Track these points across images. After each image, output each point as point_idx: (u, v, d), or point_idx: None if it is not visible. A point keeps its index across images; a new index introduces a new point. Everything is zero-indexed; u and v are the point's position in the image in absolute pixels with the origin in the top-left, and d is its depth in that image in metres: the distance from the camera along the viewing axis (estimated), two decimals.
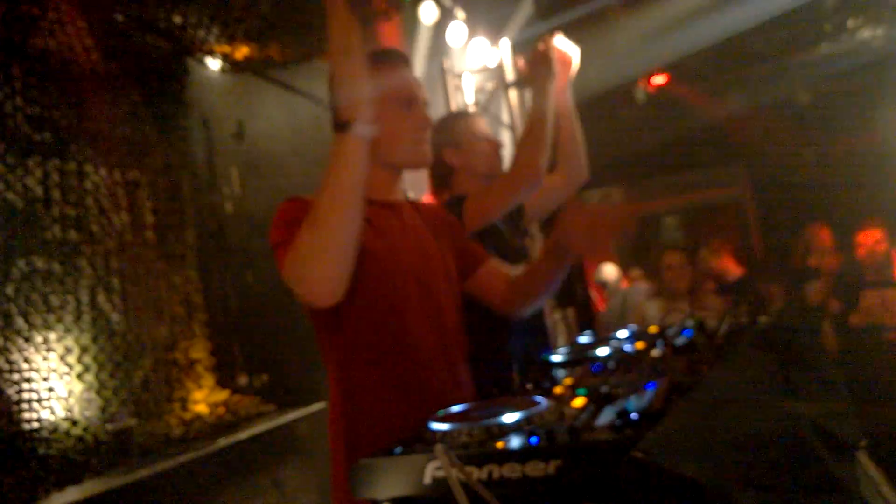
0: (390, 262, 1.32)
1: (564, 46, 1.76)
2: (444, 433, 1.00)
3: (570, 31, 1.68)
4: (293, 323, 1.38)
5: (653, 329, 1.56)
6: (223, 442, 2.80)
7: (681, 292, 3.61)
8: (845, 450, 0.98)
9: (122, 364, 2.67)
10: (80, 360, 2.49)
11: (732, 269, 4.08)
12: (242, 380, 3.23)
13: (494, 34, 4.06)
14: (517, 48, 3.68)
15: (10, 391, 2.22)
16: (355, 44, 1.14)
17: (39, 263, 2.40)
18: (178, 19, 2.95)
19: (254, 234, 3.27)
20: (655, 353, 1.31)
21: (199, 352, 3.03)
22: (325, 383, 1.36)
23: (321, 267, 1.13)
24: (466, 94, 3.93)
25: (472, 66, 3.91)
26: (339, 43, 1.12)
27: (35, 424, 2.29)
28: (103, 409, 2.55)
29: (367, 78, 1.16)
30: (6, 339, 2.22)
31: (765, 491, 0.80)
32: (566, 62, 1.71)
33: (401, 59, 1.41)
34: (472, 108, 3.83)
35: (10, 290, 2.26)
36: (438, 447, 0.92)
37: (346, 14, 1.11)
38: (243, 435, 2.89)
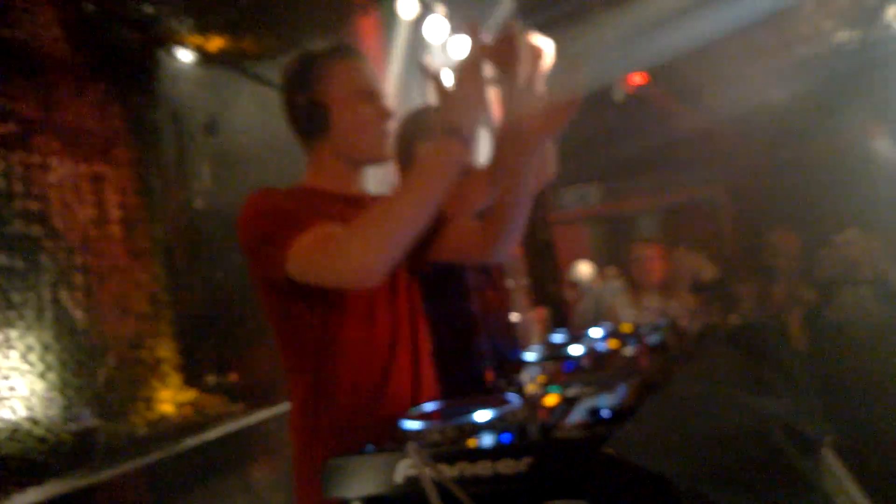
0: None
1: (537, 39, 1.71)
2: (416, 431, 0.99)
3: (550, 29, 1.66)
4: (263, 321, 1.36)
5: (626, 328, 1.56)
6: (190, 442, 2.75)
7: (651, 286, 3.58)
8: (812, 446, 0.99)
9: (85, 363, 2.60)
10: (42, 358, 2.42)
11: (706, 268, 4.14)
12: (210, 379, 3.18)
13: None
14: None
15: None
16: (480, 55, 1.17)
17: (0, 259, 2.33)
18: (149, 10, 2.89)
19: (224, 230, 3.22)
20: (628, 351, 1.32)
21: (166, 350, 2.97)
22: (284, 383, 1.33)
23: (384, 256, 1.12)
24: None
25: (452, 62, 3.91)
26: (470, 58, 1.15)
27: None
28: (66, 409, 2.49)
29: (484, 90, 1.18)
30: None
31: (733, 487, 0.80)
32: (537, 54, 1.63)
33: (356, 53, 1.39)
34: None
35: None
36: (411, 445, 0.91)
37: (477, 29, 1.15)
38: (211, 435, 2.84)
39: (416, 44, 3.83)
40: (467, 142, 1.14)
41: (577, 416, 0.98)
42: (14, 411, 2.27)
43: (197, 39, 3.12)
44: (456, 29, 3.85)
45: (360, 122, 1.34)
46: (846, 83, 5.38)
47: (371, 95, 1.35)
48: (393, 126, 1.41)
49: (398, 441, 0.99)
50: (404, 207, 1.13)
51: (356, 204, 1.39)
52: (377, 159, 1.39)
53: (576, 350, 1.38)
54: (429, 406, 1.13)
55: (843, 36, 5.26)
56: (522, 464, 0.87)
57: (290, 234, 1.18)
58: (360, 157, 1.38)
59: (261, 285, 1.28)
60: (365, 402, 1.28)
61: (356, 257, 1.12)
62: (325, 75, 1.32)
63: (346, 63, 1.35)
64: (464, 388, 1.29)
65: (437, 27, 3.83)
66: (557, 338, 1.58)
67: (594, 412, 0.92)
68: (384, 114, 1.37)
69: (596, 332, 1.56)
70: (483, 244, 1.43)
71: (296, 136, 1.38)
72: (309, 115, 1.31)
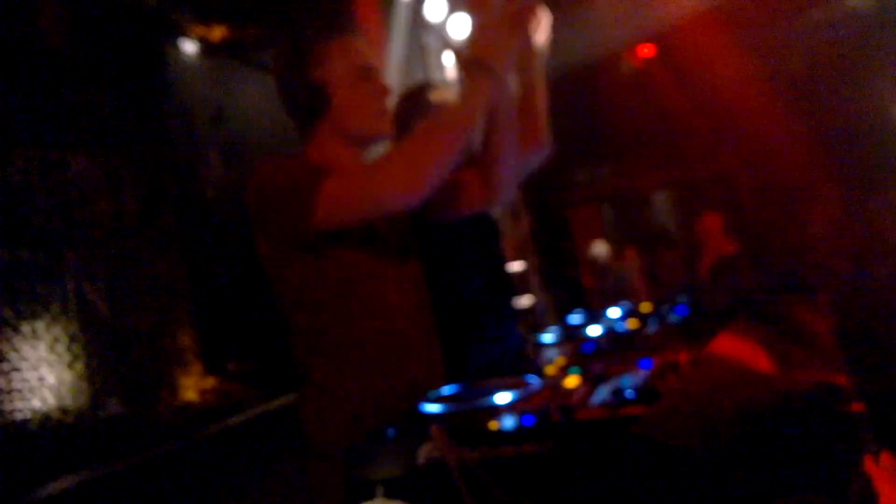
0: (365, 240, 1.30)
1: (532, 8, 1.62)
2: (437, 415, 0.99)
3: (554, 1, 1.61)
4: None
5: (645, 307, 1.55)
6: (214, 428, 2.78)
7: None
8: (839, 420, 0.98)
9: (110, 353, 2.64)
10: (68, 349, 2.47)
11: (726, 244, 4.08)
12: (231, 367, 3.21)
13: None
14: None
15: (0, 381, 2.20)
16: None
17: (24, 254, 2.37)
18: (152, 1, 2.88)
19: (237, 217, 3.23)
20: (648, 330, 1.31)
21: (187, 339, 3.00)
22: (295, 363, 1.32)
23: (426, 178, 1.16)
24: (447, 70, 3.87)
25: (452, 41, 3.85)
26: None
27: (26, 414, 2.27)
28: (93, 398, 2.53)
29: (509, 30, 1.20)
30: None
31: (760, 463, 0.79)
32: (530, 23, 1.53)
33: (351, 30, 1.38)
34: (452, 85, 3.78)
35: None
36: (434, 428, 0.91)
37: None
38: (234, 421, 2.87)
39: (417, 23, 3.78)
40: (501, 81, 1.17)
41: (600, 396, 0.98)
42: (44, 401, 2.32)
43: (201, 30, 3.11)
44: (455, 7, 3.80)
45: (358, 101, 1.33)
46: (863, 47, 5.24)
47: (368, 73, 1.34)
48: (391, 103, 1.40)
49: (419, 424, 0.99)
50: (444, 136, 1.16)
51: None
52: (377, 136, 1.38)
53: (594, 331, 1.37)
54: (448, 388, 1.13)
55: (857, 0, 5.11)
56: (545, 446, 0.87)
57: (317, 180, 1.19)
58: (360, 135, 1.37)
59: (278, 249, 1.26)
60: (380, 376, 1.28)
61: (400, 177, 1.15)
62: (320, 55, 1.31)
63: (342, 41, 1.33)
64: (482, 367, 1.29)
65: (437, 6, 3.78)
66: (575, 319, 1.57)
67: (617, 392, 0.91)
68: (382, 91, 1.36)
69: (615, 312, 1.55)
70: (481, 191, 1.43)
71: (293, 118, 1.37)
72: (307, 96, 1.30)
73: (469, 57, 1.19)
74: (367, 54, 1.35)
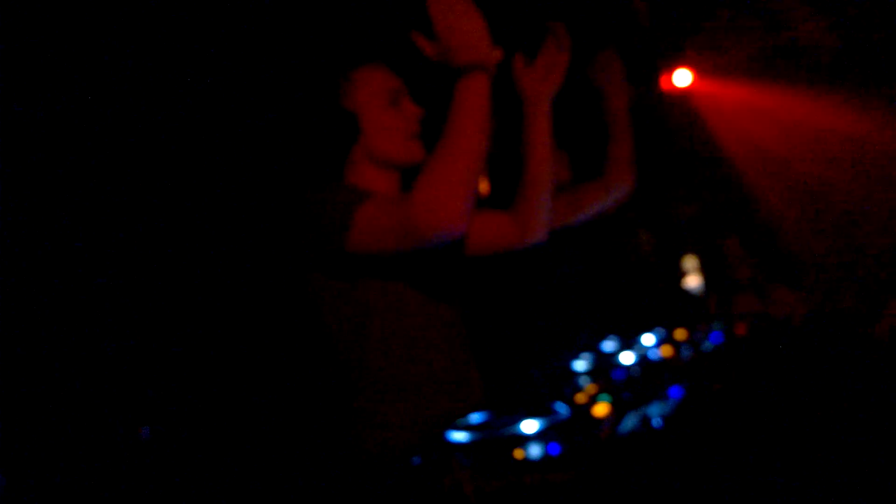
0: (402, 268, 1.31)
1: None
2: (463, 443, 0.98)
3: None
4: None
5: (680, 334, 1.52)
6: None
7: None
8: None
9: None
10: None
11: (744, 268, 3.91)
12: None
13: None
14: None
15: None
16: None
17: None
18: None
19: None
20: (682, 358, 1.28)
21: None
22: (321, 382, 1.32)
23: (465, 195, 1.15)
24: None
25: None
26: None
27: None
28: None
29: (476, 15, 1.17)
30: None
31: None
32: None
33: (376, 58, 1.39)
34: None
35: None
36: (456, 460, 0.90)
37: None
38: None
39: None
40: (489, 71, 1.13)
41: (628, 425, 0.96)
42: None
43: None
44: None
45: (386, 126, 1.34)
46: None
47: (397, 97, 1.35)
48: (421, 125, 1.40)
49: (445, 452, 0.98)
50: (457, 149, 1.14)
51: None
52: (408, 162, 1.38)
53: (627, 358, 1.35)
54: (477, 416, 1.12)
55: None
56: (571, 475, 0.85)
57: (356, 201, 1.19)
58: (390, 160, 1.38)
59: (313, 274, 1.27)
60: (422, 404, 1.27)
61: (442, 201, 1.13)
62: (350, 83, 1.33)
63: (368, 69, 1.35)
64: (513, 392, 1.28)
65: None
66: (608, 346, 1.55)
67: (645, 421, 0.90)
68: (413, 116, 1.36)
69: (649, 339, 1.52)
70: (513, 231, 1.41)
71: (326, 147, 1.39)
72: (339, 126, 1.33)
73: (443, 57, 1.16)
74: (394, 79, 1.37)
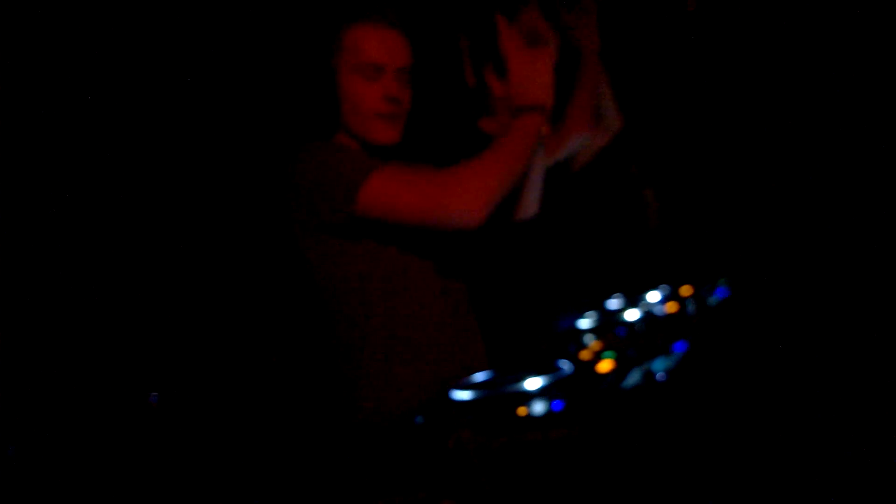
0: (405, 232, 1.29)
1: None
2: (467, 401, 0.98)
3: None
4: None
5: (686, 290, 1.50)
6: None
7: None
8: None
9: None
10: None
11: None
12: None
13: None
14: None
15: None
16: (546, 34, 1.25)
17: None
18: None
19: None
20: (688, 313, 1.27)
21: None
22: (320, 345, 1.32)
23: (493, 198, 1.17)
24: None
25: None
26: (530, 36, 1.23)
27: None
28: None
29: (549, 69, 1.24)
30: None
31: None
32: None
33: (380, 19, 1.30)
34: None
35: None
36: (459, 419, 0.90)
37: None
38: None
39: None
40: (546, 114, 1.19)
41: (631, 380, 0.95)
42: None
43: None
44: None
45: (359, 100, 1.28)
46: None
47: (377, 73, 1.27)
48: (404, 111, 1.32)
49: (448, 411, 0.98)
50: (509, 162, 1.17)
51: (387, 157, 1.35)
52: (368, 140, 1.32)
53: (632, 315, 1.34)
54: (479, 375, 1.12)
55: None
56: (574, 431, 0.85)
57: (364, 170, 1.18)
58: (352, 132, 1.32)
59: (312, 236, 1.26)
60: (425, 363, 1.28)
61: (478, 197, 1.15)
62: (340, 40, 1.27)
63: (362, 28, 1.28)
64: (517, 350, 1.28)
65: None
66: (613, 303, 1.54)
67: (648, 377, 0.89)
68: (387, 96, 1.29)
69: (654, 296, 1.51)
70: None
71: (312, 103, 1.35)
72: (320, 85, 1.27)
73: (516, 100, 1.19)
74: (383, 51, 1.29)
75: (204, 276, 2.36)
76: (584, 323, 1.37)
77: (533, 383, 0.97)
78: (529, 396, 0.95)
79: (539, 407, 0.91)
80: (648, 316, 1.31)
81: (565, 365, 1.05)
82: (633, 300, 1.52)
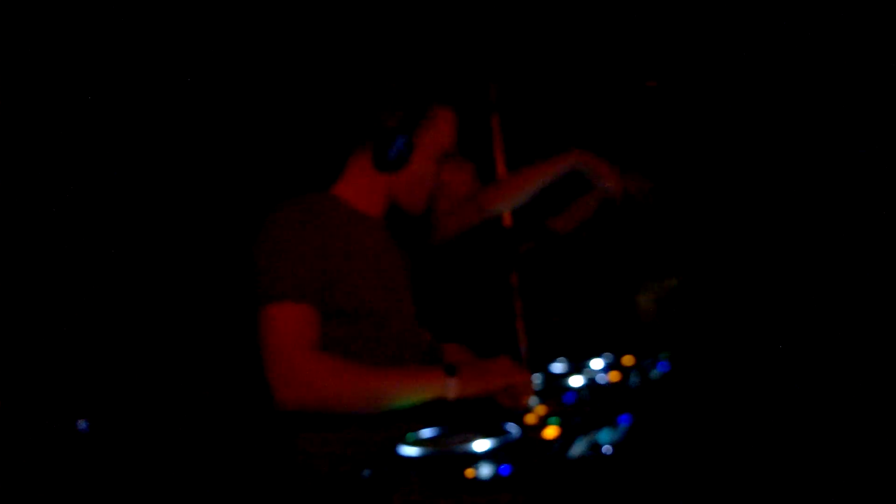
0: (368, 274, 1.31)
1: None
2: (414, 458, 0.98)
3: None
4: None
5: (628, 360, 1.55)
6: None
7: None
8: None
9: None
10: None
11: None
12: None
13: None
14: None
15: None
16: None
17: None
18: None
19: None
20: (630, 384, 1.31)
21: None
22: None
23: (333, 407, 1.16)
24: None
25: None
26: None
27: None
28: None
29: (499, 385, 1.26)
30: None
31: None
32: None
33: (453, 105, 1.40)
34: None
35: None
36: (408, 474, 0.90)
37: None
38: None
39: None
40: (457, 390, 1.20)
41: (578, 449, 0.97)
42: None
43: None
44: None
45: (425, 178, 1.36)
46: None
47: (445, 157, 1.37)
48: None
49: (396, 466, 0.98)
50: (382, 400, 1.18)
51: (372, 227, 1.38)
52: (410, 212, 1.40)
53: (576, 381, 1.37)
54: (427, 431, 1.12)
55: None
56: (520, 497, 0.86)
57: (273, 294, 1.17)
58: (404, 202, 1.39)
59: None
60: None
61: (294, 389, 1.13)
62: (432, 115, 1.33)
63: (449, 112, 1.36)
64: (465, 409, 1.29)
65: None
66: (557, 367, 1.57)
67: (595, 447, 0.91)
68: (440, 180, 1.39)
69: (597, 364, 1.56)
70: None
71: (336, 148, 1.38)
72: (395, 148, 1.31)
73: (454, 368, 1.22)
74: (454, 140, 1.38)
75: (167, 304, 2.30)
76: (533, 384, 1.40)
77: (481, 445, 0.98)
78: (477, 458, 0.95)
79: (486, 470, 0.92)
80: (592, 384, 1.34)
81: (513, 428, 1.07)
82: (577, 366, 1.56)
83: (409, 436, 1.10)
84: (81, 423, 1.92)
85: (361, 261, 1.29)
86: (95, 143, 2.23)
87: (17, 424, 1.86)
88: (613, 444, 0.91)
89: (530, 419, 1.16)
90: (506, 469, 0.91)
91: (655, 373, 1.39)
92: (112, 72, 2.22)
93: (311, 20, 2.43)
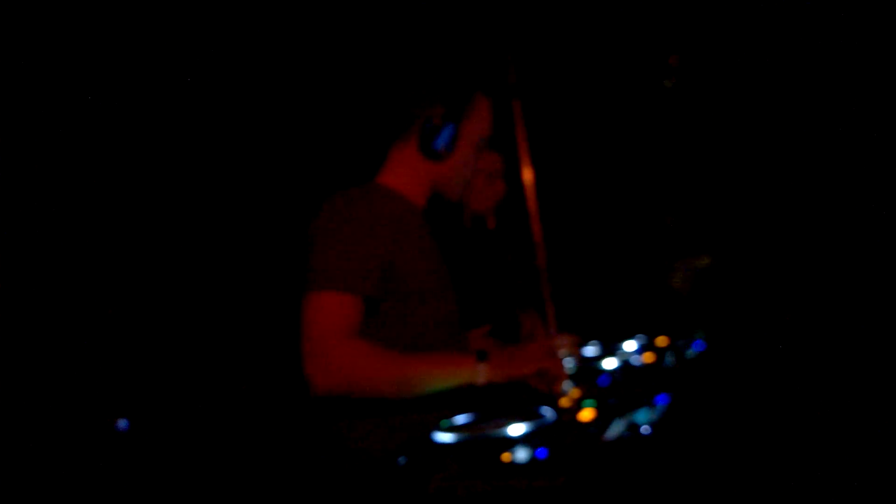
0: (422, 258, 1.32)
1: None
2: (450, 444, 0.98)
3: None
4: None
5: (662, 341, 1.53)
6: None
7: None
8: None
9: None
10: None
11: None
12: None
13: None
14: None
15: None
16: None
17: None
18: None
19: None
20: (665, 364, 1.29)
21: None
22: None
23: (355, 391, 1.17)
24: None
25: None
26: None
27: None
28: None
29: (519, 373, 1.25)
30: None
31: None
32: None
33: (491, 95, 1.41)
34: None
35: None
36: (447, 459, 0.90)
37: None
38: None
39: None
40: (487, 375, 1.19)
41: (615, 431, 0.96)
42: None
43: None
44: None
45: (464, 166, 1.37)
46: None
47: (484, 145, 1.38)
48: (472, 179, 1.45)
49: (432, 453, 0.98)
50: (414, 387, 1.18)
51: (414, 216, 1.38)
52: (451, 198, 1.42)
53: (609, 364, 1.36)
54: (463, 418, 1.12)
55: None
56: (558, 480, 0.85)
57: (320, 282, 1.18)
58: (446, 189, 1.40)
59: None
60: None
61: (327, 374, 1.13)
62: (472, 107, 1.34)
63: (488, 101, 1.37)
64: (500, 394, 1.29)
65: None
66: (590, 351, 1.56)
67: (633, 428, 0.90)
68: (478, 167, 1.41)
69: (630, 346, 1.54)
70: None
71: (383, 136, 1.39)
72: (443, 137, 1.32)
73: (485, 354, 1.21)
74: (492, 127, 1.39)
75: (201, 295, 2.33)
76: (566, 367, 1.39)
77: (516, 429, 0.97)
78: (513, 442, 0.95)
79: (523, 454, 0.91)
80: (626, 366, 1.33)
81: (547, 412, 1.06)
82: (611, 349, 1.54)
83: (444, 422, 1.09)
84: (122, 422, 1.96)
85: (416, 246, 1.30)
86: (131, 140, 2.26)
87: (55, 424, 1.90)
88: (652, 425, 0.90)
89: (564, 402, 1.16)
90: (542, 452, 0.91)
91: (691, 352, 1.37)
92: (141, 67, 2.24)
93: (352, 13, 2.44)
